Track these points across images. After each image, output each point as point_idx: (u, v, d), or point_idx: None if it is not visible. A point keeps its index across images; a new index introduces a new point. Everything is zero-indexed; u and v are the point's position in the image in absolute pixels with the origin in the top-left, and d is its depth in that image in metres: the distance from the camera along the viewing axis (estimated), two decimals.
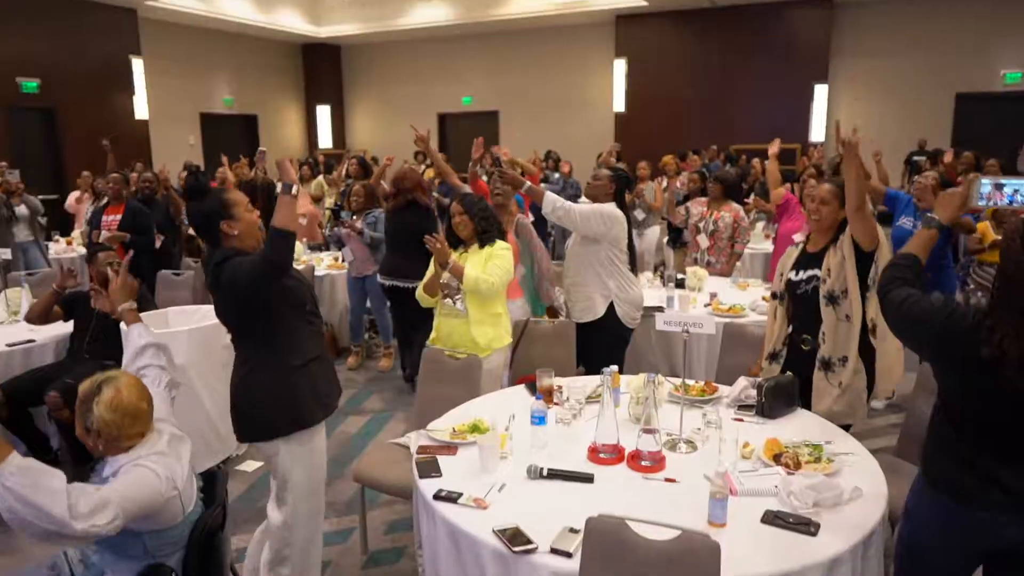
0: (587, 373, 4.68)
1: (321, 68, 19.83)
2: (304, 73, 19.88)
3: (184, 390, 4.37)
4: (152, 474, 2.39)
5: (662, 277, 6.06)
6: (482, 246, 4.13)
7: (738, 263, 6.61)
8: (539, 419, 3.00)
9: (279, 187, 2.89)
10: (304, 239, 7.97)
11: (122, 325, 3.17)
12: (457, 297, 4.08)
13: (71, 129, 13.82)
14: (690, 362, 5.21)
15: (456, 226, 4.20)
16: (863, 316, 3.43)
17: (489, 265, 4.02)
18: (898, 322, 2.38)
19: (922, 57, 15.02)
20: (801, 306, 3.64)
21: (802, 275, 3.63)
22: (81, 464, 4.58)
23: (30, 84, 13.20)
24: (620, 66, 16.88)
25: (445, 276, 4.06)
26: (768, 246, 7.88)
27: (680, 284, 5.90)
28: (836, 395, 3.45)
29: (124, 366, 2.97)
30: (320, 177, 12.63)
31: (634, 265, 4.61)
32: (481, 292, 3.95)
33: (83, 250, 7.83)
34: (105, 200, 6.83)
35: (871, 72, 15.54)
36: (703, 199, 6.75)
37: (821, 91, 15.59)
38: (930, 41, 14.92)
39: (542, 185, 6.63)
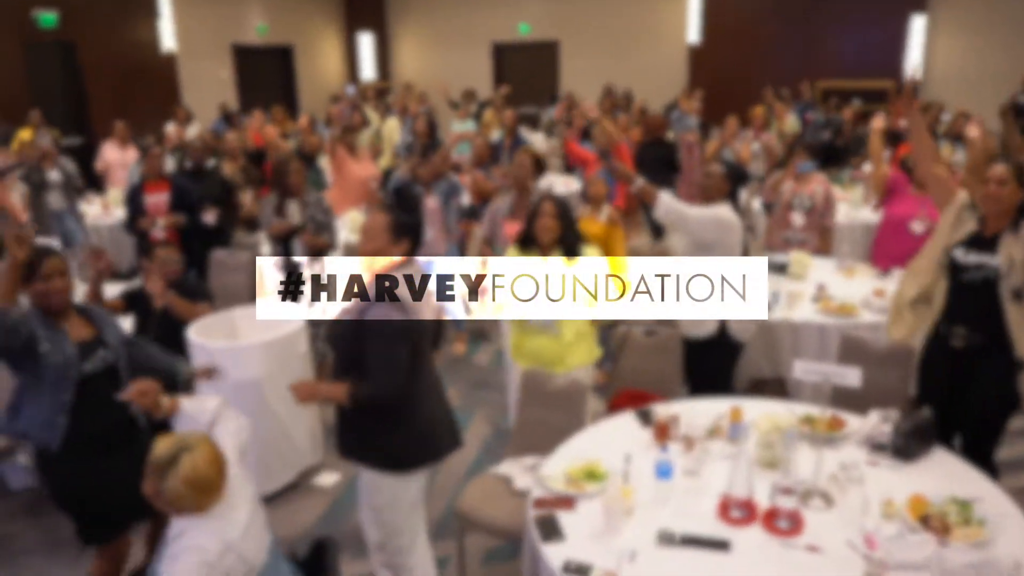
0: (694, 390, 4.67)
1: None
2: None
3: (259, 405, 4.39)
4: (196, 559, 2.49)
5: None
6: (568, 254, 4.14)
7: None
8: (665, 472, 3.04)
9: None
10: (356, 205, 7.88)
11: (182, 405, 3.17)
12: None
13: (93, 66, 13.74)
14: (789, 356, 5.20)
15: (541, 228, 4.14)
16: None
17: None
18: None
19: None
20: (964, 294, 3.65)
21: (971, 258, 3.61)
22: None
23: (48, 18, 13.06)
24: None
25: None
26: (866, 214, 7.69)
27: (782, 269, 5.86)
28: None
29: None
30: (381, 122, 12.43)
31: None
32: None
33: (120, 214, 7.73)
34: (139, 177, 6.67)
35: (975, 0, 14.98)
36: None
37: (919, 21, 15.06)
38: None
39: None
